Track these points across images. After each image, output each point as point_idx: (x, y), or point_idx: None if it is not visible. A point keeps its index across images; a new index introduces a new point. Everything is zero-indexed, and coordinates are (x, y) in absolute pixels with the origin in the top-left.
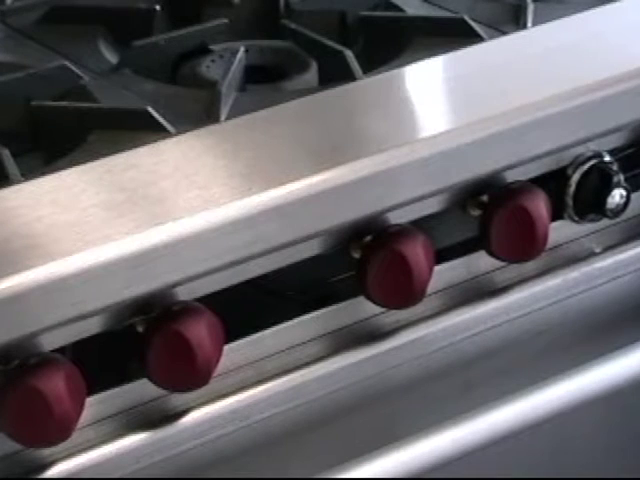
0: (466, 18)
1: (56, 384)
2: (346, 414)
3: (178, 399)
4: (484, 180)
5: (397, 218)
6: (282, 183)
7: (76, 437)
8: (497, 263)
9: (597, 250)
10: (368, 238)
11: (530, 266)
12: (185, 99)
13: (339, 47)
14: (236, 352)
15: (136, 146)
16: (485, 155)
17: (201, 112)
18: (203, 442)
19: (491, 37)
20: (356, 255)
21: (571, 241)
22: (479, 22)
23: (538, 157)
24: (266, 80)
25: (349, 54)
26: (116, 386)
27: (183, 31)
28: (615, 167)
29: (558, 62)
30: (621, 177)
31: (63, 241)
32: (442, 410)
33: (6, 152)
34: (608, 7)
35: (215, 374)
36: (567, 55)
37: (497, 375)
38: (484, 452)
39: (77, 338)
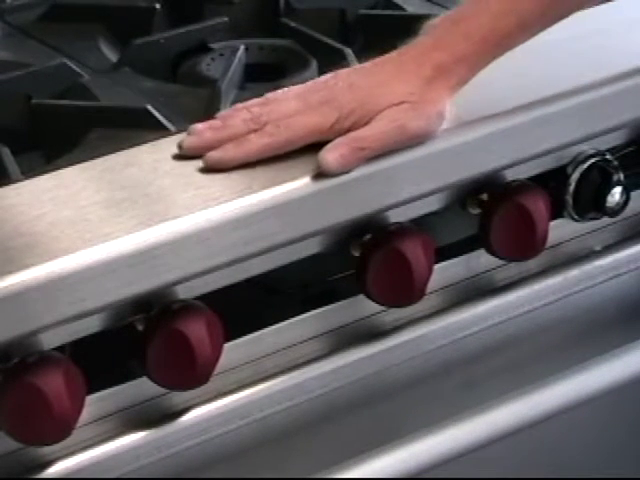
0: None
1: (56, 382)
2: (346, 412)
3: (178, 397)
4: (484, 178)
5: (397, 216)
6: (282, 182)
7: (76, 435)
8: (497, 261)
9: (597, 248)
10: (368, 236)
11: (530, 264)
12: (185, 97)
13: (339, 45)
14: (236, 350)
15: (136, 144)
16: (485, 154)
17: (201, 110)
18: (203, 440)
19: None
20: (356, 253)
21: (571, 239)
22: None
23: (538, 156)
24: (266, 78)
25: (349, 52)
26: (116, 384)
27: (183, 29)
28: (615, 165)
29: (558, 60)
30: (621, 175)
31: (63, 239)
32: (443, 408)
33: (6, 150)
34: (608, 5)
35: (215, 372)
36: (567, 53)
37: (498, 373)
38: (485, 450)
39: (77, 336)
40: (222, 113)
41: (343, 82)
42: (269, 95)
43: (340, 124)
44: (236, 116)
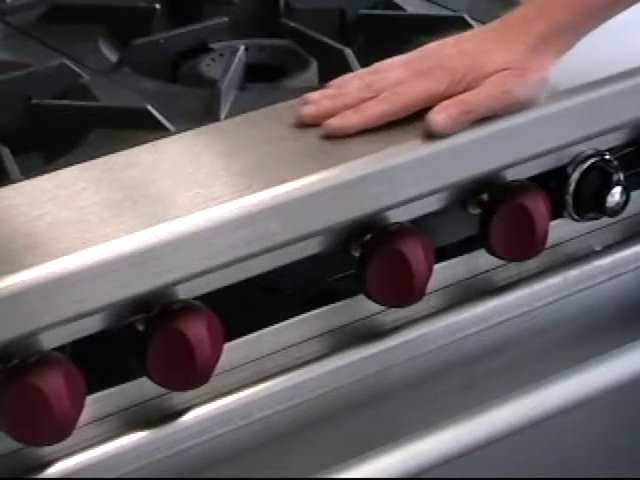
0: (466, 17)
1: (56, 382)
2: (346, 413)
3: (178, 398)
4: (484, 179)
5: (397, 216)
6: (282, 182)
7: (76, 435)
8: (497, 261)
9: (597, 248)
10: (368, 236)
11: (530, 264)
12: (185, 97)
13: (339, 45)
14: (236, 350)
15: (136, 144)
16: (485, 154)
17: (201, 110)
18: (203, 440)
19: None
20: (356, 253)
21: (571, 239)
22: (479, 20)
23: (538, 156)
24: (266, 78)
25: (349, 52)
26: (116, 385)
27: (183, 30)
28: (615, 165)
29: (557, 60)
30: (621, 175)
31: (63, 240)
32: (442, 408)
33: (6, 151)
34: None
35: (215, 372)
36: (566, 53)
37: (498, 373)
38: (485, 450)
39: (77, 336)
40: (334, 81)
41: (451, 49)
42: (378, 64)
43: (452, 89)
44: (350, 84)
